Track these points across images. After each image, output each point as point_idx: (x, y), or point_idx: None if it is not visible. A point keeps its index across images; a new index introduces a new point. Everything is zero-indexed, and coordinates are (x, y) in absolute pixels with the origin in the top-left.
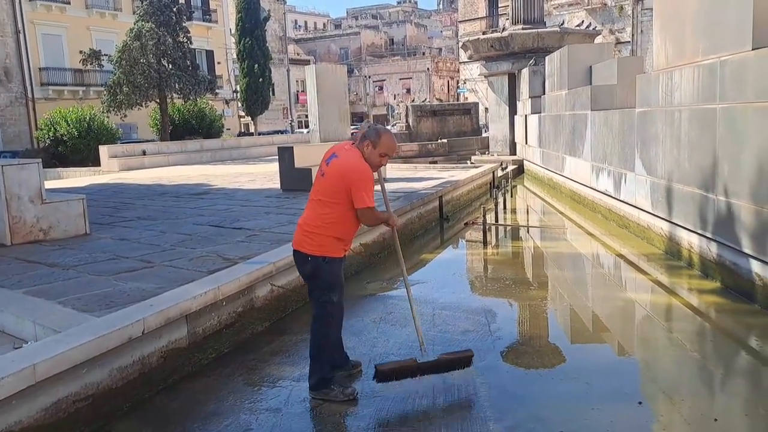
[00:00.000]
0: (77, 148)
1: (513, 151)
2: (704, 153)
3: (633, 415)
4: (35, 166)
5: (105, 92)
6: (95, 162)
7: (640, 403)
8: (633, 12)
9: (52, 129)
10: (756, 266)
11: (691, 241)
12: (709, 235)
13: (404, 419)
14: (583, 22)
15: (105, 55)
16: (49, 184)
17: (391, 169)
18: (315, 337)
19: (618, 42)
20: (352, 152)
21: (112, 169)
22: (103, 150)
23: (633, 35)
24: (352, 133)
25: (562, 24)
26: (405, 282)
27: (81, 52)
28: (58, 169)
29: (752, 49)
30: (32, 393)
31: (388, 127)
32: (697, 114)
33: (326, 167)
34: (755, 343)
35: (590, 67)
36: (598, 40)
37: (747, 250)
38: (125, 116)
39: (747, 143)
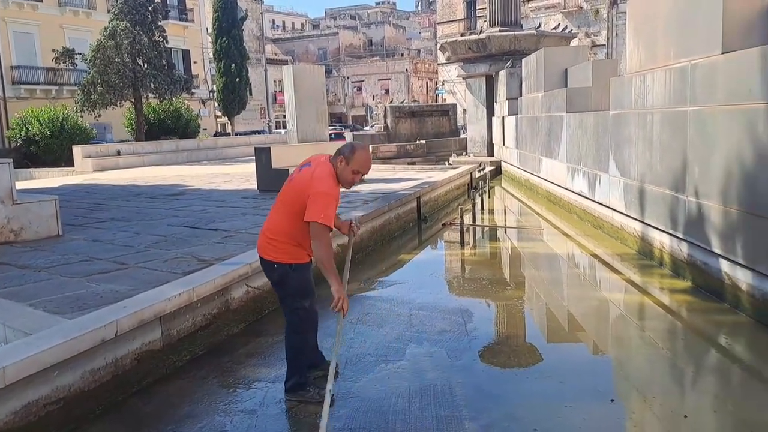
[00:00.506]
0: (50, 148)
1: (491, 153)
2: (675, 155)
3: (605, 413)
4: (6, 166)
5: (79, 91)
6: (68, 162)
7: (612, 400)
8: (608, 15)
9: (24, 128)
10: (725, 266)
11: (662, 241)
12: (680, 235)
13: (380, 419)
14: (559, 25)
15: (79, 53)
16: (21, 185)
17: (370, 170)
18: (291, 343)
19: (594, 45)
20: (324, 166)
21: (85, 170)
22: (77, 150)
23: (608, 38)
24: (330, 134)
25: (539, 27)
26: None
27: (54, 50)
28: (31, 169)
29: (722, 53)
30: (2, 396)
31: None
32: (669, 117)
33: (297, 174)
34: (724, 341)
35: (566, 69)
36: (574, 43)
37: (716, 250)
38: (99, 116)
39: (717, 145)
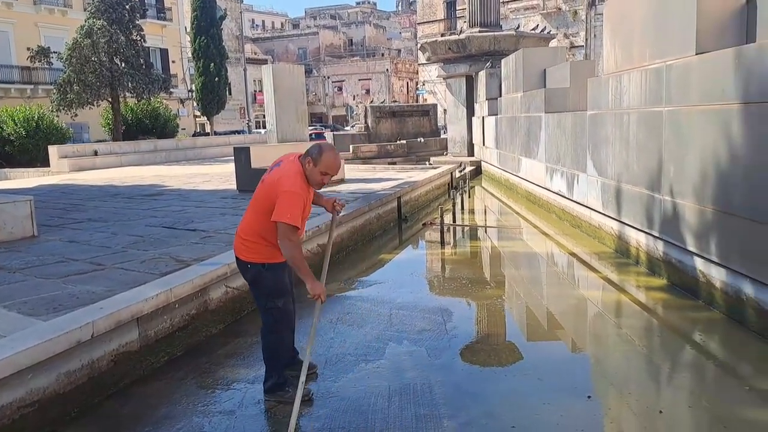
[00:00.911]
0: (25, 148)
1: (471, 153)
2: (651, 155)
3: (582, 410)
4: None
5: (54, 91)
6: (44, 162)
7: (589, 397)
8: (587, 17)
9: None
10: (700, 263)
11: (639, 239)
12: (656, 233)
13: (360, 419)
14: (538, 26)
15: (54, 52)
16: None
17: (350, 170)
18: (266, 343)
19: (572, 46)
20: (293, 165)
21: (62, 170)
22: (53, 150)
23: (587, 39)
24: (310, 134)
25: (518, 27)
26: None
27: (29, 49)
28: (5, 169)
29: (696, 54)
30: None
31: (348, 129)
32: (645, 117)
33: (268, 174)
34: (699, 338)
35: (545, 70)
36: (553, 44)
37: (691, 248)
38: (76, 116)
39: (691, 145)
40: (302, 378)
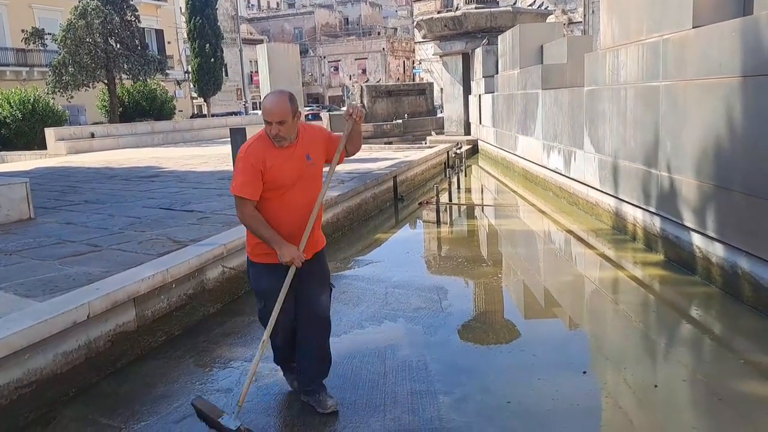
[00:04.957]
0: (21, 131)
1: (468, 131)
2: (648, 130)
3: (577, 385)
4: None
5: (50, 73)
6: (41, 145)
7: (584, 372)
8: None
9: None
10: (696, 239)
11: (636, 216)
12: (652, 209)
13: (355, 395)
14: (535, 1)
15: (49, 33)
16: None
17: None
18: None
19: (570, 22)
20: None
21: (59, 153)
22: (50, 133)
23: (585, 15)
24: (306, 115)
25: (515, 3)
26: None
27: (23, 30)
28: (2, 153)
29: (692, 28)
30: None
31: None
32: (642, 92)
33: None
34: (695, 313)
35: (542, 46)
36: (551, 19)
37: (688, 224)
38: (72, 98)
39: (688, 120)
40: (264, 337)
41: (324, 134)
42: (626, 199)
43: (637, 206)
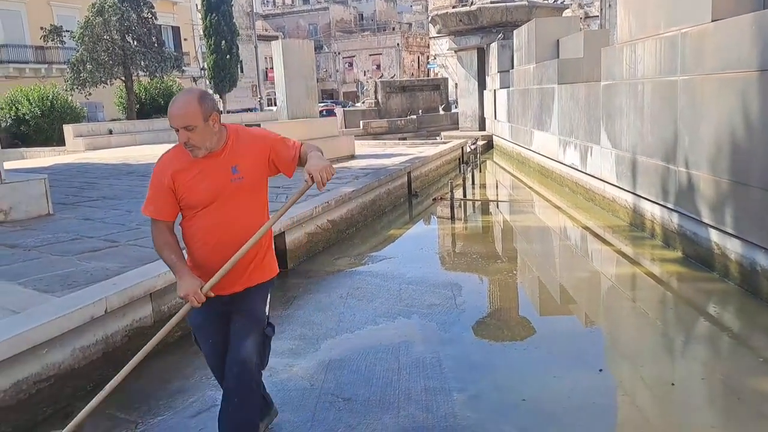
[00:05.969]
0: (40, 127)
1: (482, 127)
2: (666, 125)
3: (593, 382)
4: None
5: (68, 70)
6: (60, 142)
7: (600, 370)
8: None
9: (14, 108)
10: (715, 235)
11: (653, 212)
12: (670, 206)
13: (369, 391)
14: None
15: (67, 31)
16: (12, 165)
17: (360, 146)
18: None
19: (587, 16)
20: None
21: (77, 149)
22: (68, 129)
23: (601, 9)
24: (321, 111)
25: None
26: None
27: (42, 28)
28: (21, 149)
29: (711, 21)
30: None
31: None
32: (659, 86)
33: None
34: (713, 310)
35: (558, 40)
36: (567, 14)
37: (706, 220)
38: (90, 94)
39: (706, 115)
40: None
41: (265, 142)
42: (644, 195)
43: (655, 202)
